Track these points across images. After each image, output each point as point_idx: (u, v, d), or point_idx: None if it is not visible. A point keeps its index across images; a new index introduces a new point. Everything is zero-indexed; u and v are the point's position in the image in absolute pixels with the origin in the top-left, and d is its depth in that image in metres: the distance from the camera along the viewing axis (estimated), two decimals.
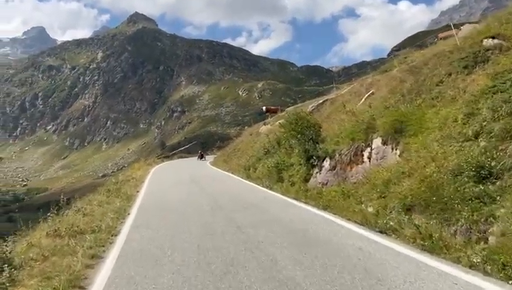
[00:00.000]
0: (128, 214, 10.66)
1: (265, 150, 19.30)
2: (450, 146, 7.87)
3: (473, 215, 5.93)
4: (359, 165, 11.10)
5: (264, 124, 32.80)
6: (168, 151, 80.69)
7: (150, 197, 14.47)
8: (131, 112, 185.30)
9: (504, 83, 7.97)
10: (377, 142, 10.82)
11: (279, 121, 22.29)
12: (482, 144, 6.99)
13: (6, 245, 6.34)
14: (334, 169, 11.92)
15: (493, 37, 10.62)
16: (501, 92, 7.75)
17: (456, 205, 6.31)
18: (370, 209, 8.64)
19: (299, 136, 13.33)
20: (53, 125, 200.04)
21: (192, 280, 5.09)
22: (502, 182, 6.01)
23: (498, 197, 5.79)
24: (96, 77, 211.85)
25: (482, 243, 5.44)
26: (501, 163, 6.19)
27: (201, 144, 75.85)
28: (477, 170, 6.28)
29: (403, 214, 6.99)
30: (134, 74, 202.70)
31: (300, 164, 13.53)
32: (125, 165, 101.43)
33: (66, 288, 4.97)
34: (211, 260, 5.87)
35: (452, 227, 6.29)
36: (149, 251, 6.64)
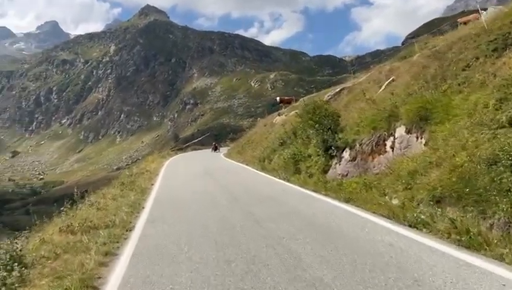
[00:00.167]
0: (143, 207, 10.38)
1: (281, 141, 18.87)
2: (482, 134, 7.38)
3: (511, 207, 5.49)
4: (381, 155, 10.64)
5: (279, 114, 32.28)
6: (181, 144, 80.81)
7: (165, 190, 14.20)
8: (144, 105, 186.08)
9: None
10: (400, 130, 10.33)
11: (295, 111, 21.82)
12: None
13: (16, 242, 6.07)
14: (355, 160, 11.47)
15: None
16: None
17: (492, 197, 5.87)
18: (395, 202, 8.20)
19: (316, 125, 12.87)
20: (68, 119, 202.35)
21: (211, 279, 4.74)
22: None
23: None
24: (109, 71, 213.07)
25: None
26: None
27: (214, 136, 75.71)
28: None
29: (434, 207, 6.54)
30: (146, 67, 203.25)
31: (319, 155, 13.09)
32: (139, 158, 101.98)
33: (78, 288, 4.67)
34: (230, 257, 5.51)
35: (488, 220, 5.84)
36: (165, 247, 6.32)
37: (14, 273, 4.98)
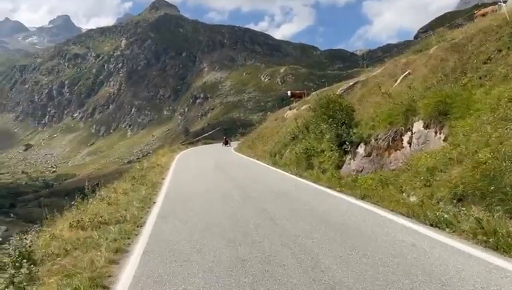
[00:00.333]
0: (154, 202, 10.22)
1: (293, 135, 18.58)
2: (506, 129, 7.05)
3: None
4: (398, 151, 10.32)
5: (290, 108, 31.92)
6: (191, 138, 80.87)
7: (176, 184, 14.05)
8: (155, 99, 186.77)
9: None
10: (418, 125, 10.00)
11: (308, 105, 21.51)
12: None
13: (26, 238, 5.93)
14: (370, 155, 11.17)
15: None
16: None
17: None
18: (413, 199, 7.92)
19: (330, 120, 12.56)
20: (79, 112, 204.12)
21: (226, 280, 4.55)
22: None
23: None
24: (120, 65, 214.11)
25: None
26: None
27: (224, 130, 75.60)
28: None
29: (458, 206, 6.25)
30: (157, 61, 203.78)
31: (332, 150, 12.80)
32: (150, 152, 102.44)
33: (87, 288, 4.51)
34: (244, 256, 5.31)
35: None
36: (177, 244, 6.14)
37: (22, 270, 4.84)
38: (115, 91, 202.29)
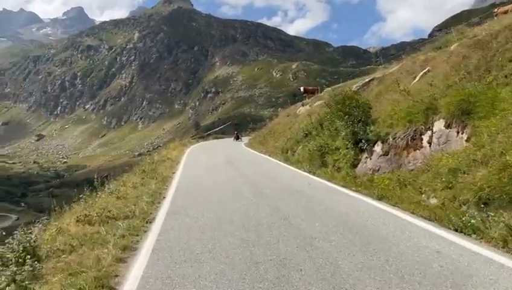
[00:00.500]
0: (164, 197, 9.99)
1: (306, 132, 18.20)
2: None
3: None
4: (417, 151, 9.91)
5: (303, 104, 31.49)
6: (202, 132, 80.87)
7: (187, 179, 13.81)
8: (166, 92, 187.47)
9: None
10: (439, 124, 9.57)
11: (321, 102, 21.12)
12: None
13: (31, 232, 5.71)
14: (387, 154, 10.77)
15: None
16: None
17: None
18: (433, 201, 7.55)
19: (346, 117, 12.17)
20: (91, 104, 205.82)
21: (239, 284, 4.27)
22: None
23: None
24: (132, 57, 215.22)
25: None
26: None
27: (235, 125, 75.40)
28: None
29: (485, 210, 5.88)
30: (169, 54, 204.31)
31: (347, 148, 12.42)
32: (161, 145, 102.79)
33: (92, 289, 4.26)
34: (258, 258, 5.02)
35: None
36: (187, 243, 5.88)
37: (26, 267, 4.60)
38: (127, 84, 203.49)
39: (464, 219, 5.80)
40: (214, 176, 14.12)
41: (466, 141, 8.57)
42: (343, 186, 10.37)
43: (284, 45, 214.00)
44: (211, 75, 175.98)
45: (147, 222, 7.29)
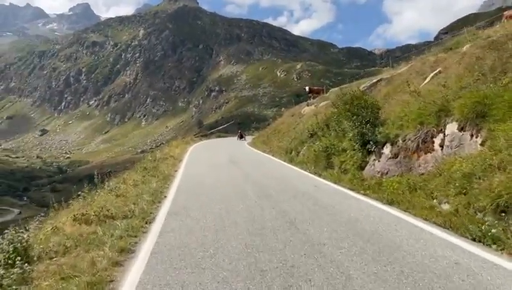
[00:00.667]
0: (165, 196, 9.68)
1: (311, 132, 17.83)
2: None
3: None
4: (428, 154, 9.55)
5: (307, 105, 31.13)
6: (205, 130, 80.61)
7: (188, 178, 13.50)
8: (170, 90, 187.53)
9: None
10: (451, 127, 9.20)
11: (327, 102, 20.77)
12: None
13: (23, 232, 5.39)
14: (397, 157, 10.41)
15: None
16: None
17: None
18: (445, 207, 7.20)
19: (354, 117, 11.81)
20: (95, 100, 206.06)
21: None
22: None
23: None
24: (137, 54, 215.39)
25: None
26: None
27: (238, 124, 75.09)
28: None
29: (505, 219, 5.53)
30: (174, 52, 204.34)
31: (354, 149, 12.05)
32: (163, 142, 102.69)
33: None
34: (264, 265, 4.69)
35: None
36: (188, 247, 5.55)
37: (15, 270, 4.29)
38: (131, 80, 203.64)
39: (483, 227, 5.45)
40: (216, 175, 13.80)
41: (481, 145, 8.20)
42: (350, 189, 10.03)
43: (289, 45, 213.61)
44: (215, 74, 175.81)
45: (146, 223, 6.98)
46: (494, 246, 5.12)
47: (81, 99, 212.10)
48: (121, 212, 7.35)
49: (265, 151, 24.84)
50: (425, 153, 9.64)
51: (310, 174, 13.29)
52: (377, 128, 11.36)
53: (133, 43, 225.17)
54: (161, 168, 15.55)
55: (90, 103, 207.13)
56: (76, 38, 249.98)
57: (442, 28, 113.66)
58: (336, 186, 10.68)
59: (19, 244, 4.89)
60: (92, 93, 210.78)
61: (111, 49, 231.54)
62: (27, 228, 6.35)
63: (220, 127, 79.37)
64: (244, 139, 43.20)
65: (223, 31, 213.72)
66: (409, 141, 10.17)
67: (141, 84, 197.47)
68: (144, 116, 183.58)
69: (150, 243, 5.81)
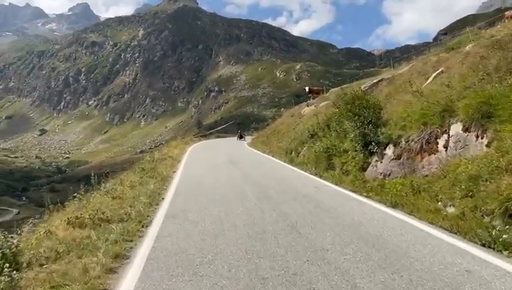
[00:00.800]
0: (163, 198, 9.45)
1: (311, 132, 17.61)
2: None
3: None
4: (432, 155, 9.33)
5: (307, 105, 30.92)
6: (204, 130, 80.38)
7: (187, 179, 13.27)
8: (169, 90, 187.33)
9: None
10: (456, 128, 8.98)
11: (328, 102, 20.56)
12: None
13: (12, 237, 5.14)
14: (400, 158, 10.19)
15: None
16: None
17: None
18: (450, 210, 6.99)
19: (356, 118, 11.59)
20: (94, 100, 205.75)
21: None
22: None
23: None
24: (136, 54, 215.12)
25: None
26: None
27: (238, 125, 74.88)
28: None
29: None
30: (173, 52, 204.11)
31: (356, 150, 11.83)
32: (163, 143, 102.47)
33: None
34: (265, 273, 4.46)
35: None
36: (185, 251, 5.33)
37: (2, 278, 4.06)
38: (131, 80, 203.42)
39: (493, 233, 5.24)
40: (215, 176, 13.58)
41: (486, 146, 7.99)
42: (352, 191, 9.81)
43: (288, 46, 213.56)
44: (214, 74, 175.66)
45: (142, 226, 6.75)
46: (505, 253, 4.91)
47: (81, 99, 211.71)
48: (116, 215, 7.11)
49: (265, 152, 24.63)
50: (429, 155, 9.43)
51: (310, 176, 13.08)
52: (379, 129, 11.15)
53: (132, 43, 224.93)
54: (159, 169, 15.32)
55: (90, 103, 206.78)
56: (76, 38, 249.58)
57: (441, 28, 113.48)
58: (337, 187, 10.47)
59: (7, 250, 4.66)
60: (91, 93, 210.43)
61: (110, 49, 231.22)
62: (19, 232, 6.13)
63: (219, 128, 79.15)
64: (244, 140, 43.00)
65: (222, 31, 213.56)
66: (412, 142, 9.96)
67: (140, 84, 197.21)
68: (143, 116, 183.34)
69: (146, 248, 5.58)
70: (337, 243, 5.43)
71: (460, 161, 8.12)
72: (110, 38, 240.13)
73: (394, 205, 7.82)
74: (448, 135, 9.11)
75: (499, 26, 17.75)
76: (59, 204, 8.62)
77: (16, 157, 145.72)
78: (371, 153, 11.36)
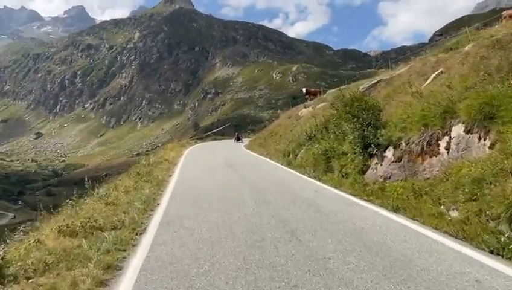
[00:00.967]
0: (158, 204, 9.19)
1: (309, 134, 17.41)
2: None
3: None
4: (434, 157, 9.13)
5: (305, 106, 30.72)
6: (201, 133, 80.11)
7: (183, 183, 13.01)
8: (166, 93, 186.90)
9: None
10: (458, 129, 8.79)
11: (325, 103, 20.38)
12: None
13: (3, 247, 4.89)
14: (400, 160, 9.99)
15: None
16: None
17: None
18: (454, 214, 6.78)
19: (355, 120, 11.39)
20: (91, 103, 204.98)
21: None
22: None
23: None
24: (133, 57, 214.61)
25: None
26: None
27: (234, 127, 74.69)
28: None
29: None
30: (170, 55, 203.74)
31: (355, 153, 11.62)
32: (159, 145, 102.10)
33: None
34: (264, 285, 4.23)
35: None
36: (181, 262, 5.08)
37: None
38: (127, 83, 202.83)
39: (502, 239, 5.03)
40: (212, 180, 13.33)
41: (489, 148, 7.80)
42: (352, 194, 9.59)
43: (285, 47, 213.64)
44: (210, 76, 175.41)
45: (136, 234, 6.49)
46: None
47: (76, 102, 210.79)
48: (109, 223, 6.85)
49: (262, 154, 24.40)
50: (431, 157, 9.24)
51: (309, 179, 12.86)
52: (378, 131, 10.96)
53: (128, 46, 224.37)
54: (155, 172, 15.05)
55: (86, 105, 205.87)
56: (71, 41, 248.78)
57: (436, 29, 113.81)
58: (337, 191, 10.25)
59: None
60: (87, 96, 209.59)
61: (106, 52, 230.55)
62: (8, 241, 5.88)
63: (216, 130, 78.89)
64: (241, 142, 42.85)
65: (218, 33, 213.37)
66: (413, 144, 9.76)
67: (137, 86, 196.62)
68: (140, 118, 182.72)
69: (139, 258, 5.33)
70: (339, 251, 5.20)
71: (462, 163, 7.94)
72: (106, 41, 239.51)
73: (396, 209, 7.61)
74: (450, 136, 8.92)
75: (497, 26, 17.65)
76: (52, 210, 8.37)
77: (11, 161, 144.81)
78: (371, 156, 11.17)
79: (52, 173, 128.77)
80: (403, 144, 10.11)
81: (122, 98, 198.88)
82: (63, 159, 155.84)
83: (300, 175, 13.86)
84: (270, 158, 21.48)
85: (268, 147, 26.65)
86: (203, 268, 4.81)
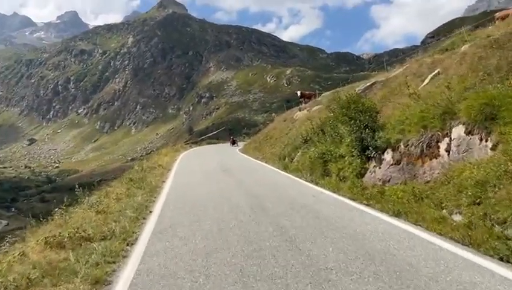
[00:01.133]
0: (151, 212, 8.87)
1: (305, 138, 17.18)
2: None
3: None
4: (434, 160, 8.91)
5: (300, 109, 30.55)
6: (196, 137, 79.72)
7: (177, 189, 12.69)
8: (160, 97, 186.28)
9: None
10: (458, 130, 8.57)
11: (321, 106, 20.18)
12: None
13: None
14: (399, 163, 9.76)
15: None
16: None
17: None
18: (458, 218, 6.55)
19: (352, 122, 11.17)
20: (84, 108, 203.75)
21: None
22: None
23: None
24: (126, 62, 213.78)
25: None
26: None
27: (229, 130, 74.38)
28: None
29: None
30: (163, 59, 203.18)
31: (353, 156, 11.39)
32: (154, 150, 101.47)
33: None
34: None
35: None
36: (174, 275, 4.78)
37: None
38: (121, 88, 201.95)
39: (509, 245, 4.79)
40: (207, 186, 13.02)
41: (491, 149, 7.59)
42: (351, 198, 9.33)
43: (278, 51, 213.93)
44: (205, 80, 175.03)
45: (127, 244, 6.18)
46: None
47: (70, 107, 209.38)
48: (99, 233, 6.53)
49: (258, 158, 24.12)
50: (431, 159, 9.02)
51: (306, 183, 12.59)
52: (376, 133, 10.74)
53: (122, 51, 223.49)
54: (148, 178, 14.71)
55: (79, 111, 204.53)
56: (65, 47, 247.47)
57: (428, 32, 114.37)
58: (335, 195, 9.99)
59: None
60: (81, 101, 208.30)
61: (99, 57, 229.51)
62: None
63: (211, 134, 78.51)
64: (237, 145, 42.72)
65: (212, 37, 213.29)
66: (412, 146, 9.55)
67: (130, 91, 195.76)
68: (134, 123, 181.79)
69: (129, 270, 5.03)
70: (341, 261, 4.93)
71: (464, 165, 7.73)
72: (99, 46, 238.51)
73: (397, 214, 7.36)
74: (450, 138, 8.71)
75: (490, 28, 17.55)
76: (45, 216, 8.06)
77: (4, 167, 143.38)
78: (369, 158, 10.93)
79: (46, 179, 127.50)
80: (402, 146, 9.89)
81: (116, 103, 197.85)
82: (57, 165, 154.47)
83: (297, 179, 13.60)
84: (265, 162, 21.22)
85: (263, 150, 26.40)
86: (197, 282, 4.52)
